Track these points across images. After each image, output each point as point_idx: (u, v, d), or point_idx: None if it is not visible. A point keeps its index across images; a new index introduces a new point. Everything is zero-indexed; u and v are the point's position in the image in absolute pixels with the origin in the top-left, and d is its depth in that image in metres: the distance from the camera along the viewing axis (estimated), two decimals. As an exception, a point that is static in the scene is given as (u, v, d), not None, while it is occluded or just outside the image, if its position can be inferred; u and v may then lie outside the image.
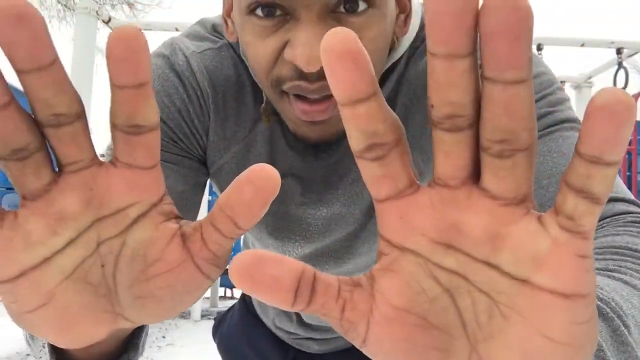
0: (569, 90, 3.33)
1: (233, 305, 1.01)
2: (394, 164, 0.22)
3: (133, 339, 0.37)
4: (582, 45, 2.97)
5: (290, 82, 0.49)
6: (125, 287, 0.26)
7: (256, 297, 0.22)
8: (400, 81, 0.58)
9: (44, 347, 0.37)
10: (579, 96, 3.39)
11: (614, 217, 0.44)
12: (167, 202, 0.26)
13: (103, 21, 2.82)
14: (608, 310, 0.33)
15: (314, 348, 0.89)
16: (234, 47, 0.61)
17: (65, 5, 9.56)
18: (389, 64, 0.56)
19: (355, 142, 0.22)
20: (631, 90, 3.27)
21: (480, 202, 0.21)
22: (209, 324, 5.72)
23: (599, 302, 0.33)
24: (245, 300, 0.96)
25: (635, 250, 0.39)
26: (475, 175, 0.21)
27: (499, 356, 0.22)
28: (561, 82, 3.28)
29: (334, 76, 0.20)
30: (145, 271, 0.26)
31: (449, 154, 0.21)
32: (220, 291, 7.14)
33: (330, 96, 0.49)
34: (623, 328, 0.33)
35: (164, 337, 4.78)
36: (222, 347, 0.97)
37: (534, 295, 0.21)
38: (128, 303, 0.26)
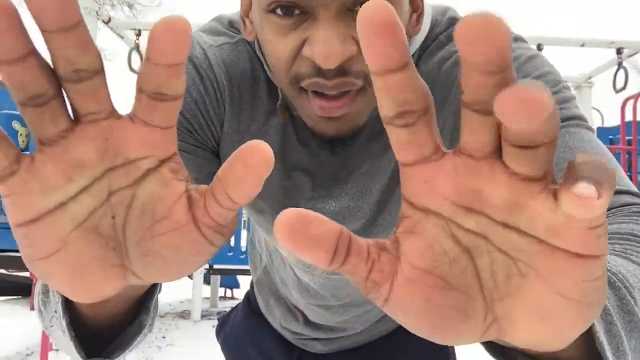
0: (569, 90, 3.33)
1: (236, 306, 1.01)
2: (421, 130, 0.23)
3: (144, 302, 0.38)
4: (582, 45, 2.97)
5: (309, 79, 0.50)
6: (134, 242, 0.27)
7: (297, 254, 0.23)
8: None
9: (55, 312, 0.38)
10: (578, 96, 3.39)
11: (620, 207, 0.46)
12: (177, 162, 0.27)
13: (103, 21, 2.82)
14: (615, 279, 0.34)
15: (318, 348, 0.89)
16: (250, 43, 0.62)
17: None
18: None
19: (387, 109, 0.22)
20: (631, 90, 3.27)
21: (501, 175, 0.22)
22: (209, 324, 5.75)
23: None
24: (249, 300, 0.97)
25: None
26: (499, 149, 0.22)
27: (514, 314, 0.24)
28: (561, 82, 3.29)
29: (371, 46, 0.21)
30: (152, 228, 0.26)
31: (475, 131, 0.22)
32: (220, 291, 7.13)
33: (346, 93, 0.50)
34: (629, 297, 0.34)
35: (164, 337, 4.78)
36: (226, 347, 0.97)
37: (551, 254, 0.22)
38: (136, 259, 0.27)
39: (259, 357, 0.92)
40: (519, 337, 0.24)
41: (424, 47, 0.60)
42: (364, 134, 0.61)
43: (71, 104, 0.25)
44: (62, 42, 0.22)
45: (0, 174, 0.24)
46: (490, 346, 0.31)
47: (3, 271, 4.12)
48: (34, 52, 0.23)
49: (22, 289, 5.70)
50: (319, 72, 0.49)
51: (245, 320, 0.96)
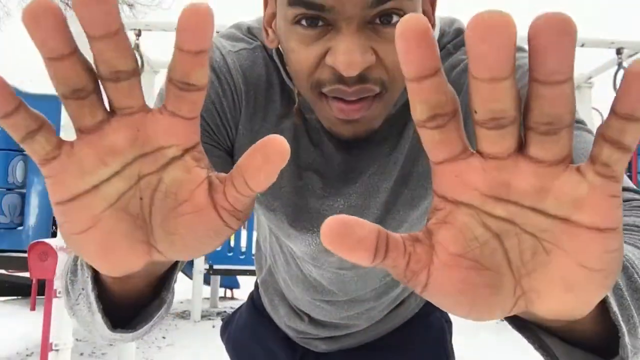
0: (569, 91, 3.32)
1: (240, 306, 1.03)
2: (451, 131, 0.25)
3: (165, 280, 0.41)
4: (582, 45, 2.96)
5: (330, 86, 0.53)
6: (159, 222, 0.30)
7: (343, 255, 0.26)
8: None
9: (83, 289, 0.41)
10: (578, 96, 3.39)
11: (622, 203, 0.47)
12: (200, 151, 0.30)
13: (103, 21, 2.82)
14: (624, 260, 0.37)
15: (321, 347, 0.91)
16: (266, 49, 0.66)
17: (67, 4, 9.56)
18: None
19: (420, 112, 0.25)
20: (631, 90, 3.27)
21: (527, 166, 0.25)
22: (209, 324, 5.74)
23: None
24: (253, 300, 0.99)
25: None
26: (520, 146, 0.25)
27: (541, 287, 0.27)
28: (561, 82, 3.28)
29: (408, 54, 0.23)
30: (175, 209, 0.30)
31: (495, 143, 0.25)
32: (220, 292, 7.13)
33: (364, 98, 0.54)
34: (636, 276, 0.37)
35: (164, 337, 4.78)
36: (231, 346, 0.99)
37: (574, 231, 0.25)
38: (160, 237, 0.30)
39: (262, 355, 0.94)
40: (546, 308, 0.27)
41: None
42: (373, 137, 0.64)
43: (108, 99, 0.28)
44: (105, 46, 0.25)
45: (44, 158, 0.27)
46: (513, 320, 0.35)
47: (3, 271, 4.11)
48: (76, 51, 0.26)
49: (22, 289, 5.70)
50: (340, 79, 0.52)
51: (250, 319, 0.98)
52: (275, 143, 0.27)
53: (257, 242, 0.96)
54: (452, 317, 0.96)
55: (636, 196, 0.50)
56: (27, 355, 3.98)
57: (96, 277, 0.40)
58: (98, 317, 0.40)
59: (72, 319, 0.49)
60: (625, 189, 0.51)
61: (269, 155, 0.27)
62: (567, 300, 0.26)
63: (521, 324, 0.35)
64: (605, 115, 0.24)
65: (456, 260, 0.27)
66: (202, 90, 0.28)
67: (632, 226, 0.45)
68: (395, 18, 0.52)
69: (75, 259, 0.44)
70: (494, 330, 5.38)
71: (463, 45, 0.64)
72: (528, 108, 0.24)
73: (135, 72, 0.27)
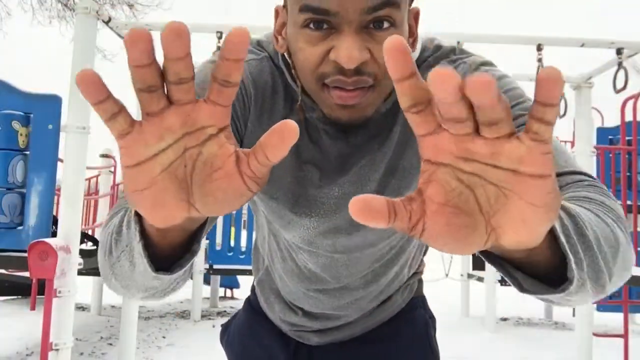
0: (569, 90, 3.32)
1: (237, 311, 1.12)
2: (428, 115, 0.35)
3: (195, 235, 0.51)
4: (582, 45, 2.96)
5: (332, 77, 0.65)
6: (198, 185, 0.40)
7: (366, 223, 0.36)
8: None
9: (126, 246, 0.52)
10: (578, 96, 3.39)
11: (575, 182, 0.61)
12: (229, 131, 0.40)
13: (103, 21, 2.82)
14: (573, 213, 0.49)
15: (314, 340, 0.98)
16: (272, 59, 0.79)
17: (66, 5, 9.54)
18: None
19: (404, 102, 0.35)
20: (631, 90, 3.26)
21: (482, 139, 0.35)
22: (209, 324, 5.72)
23: (566, 208, 0.49)
24: (250, 301, 1.09)
25: (591, 199, 0.56)
26: (476, 126, 0.35)
27: (504, 223, 0.36)
28: (561, 82, 3.27)
29: (392, 64, 0.33)
30: (210, 175, 0.39)
31: (456, 130, 0.35)
32: (220, 291, 7.13)
33: (360, 88, 0.66)
34: (582, 224, 0.48)
35: (164, 337, 4.78)
36: (230, 348, 1.07)
37: (522, 179, 0.35)
38: (198, 197, 0.40)
39: (259, 350, 1.02)
40: (509, 239, 0.37)
41: (417, 65, 0.74)
42: (365, 134, 0.76)
43: (169, 94, 0.38)
44: (176, 65, 0.36)
45: (121, 133, 0.38)
46: (487, 257, 0.47)
47: (3, 271, 4.11)
48: (155, 61, 0.36)
49: (22, 289, 5.70)
50: (341, 71, 0.64)
51: (247, 320, 1.06)
52: (288, 125, 0.37)
53: (255, 245, 1.05)
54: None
55: (588, 178, 0.62)
56: (27, 355, 3.98)
57: (142, 232, 0.49)
58: (141, 266, 0.50)
59: (107, 282, 0.59)
60: (577, 173, 0.62)
61: (284, 134, 0.37)
62: (523, 231, 0.36)
63: (494, 259, 0.47)
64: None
65: (442, 208, 0.37)
66: (236, 86, 0.38)
67: (583, 197, 0.57)
68: (385, 24, 0.64)
69: (121, 222, 0.54)
70: (494, 330, 5.38)
71: (442, 58, 0.78)
72: (476, 113, 0.34)
73: (192, 77, 0.37)
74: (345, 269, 0.88)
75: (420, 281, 1.05)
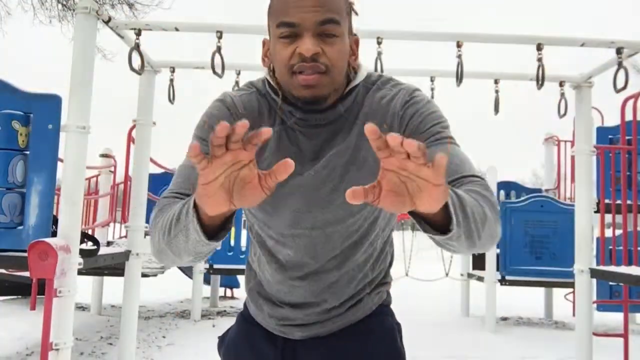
0: (568, 90, 3.32)
1: (232, 325, 1.32)
2: (387, 151, 0.64)
3: (228, 219, 0.85)
4: (582, 45, 2.96)
5: (297, 64, 0.97)
6: (236, 192, 0.72)
7: (356, 202, 0.67)
8: (359, 101, 1.09)
9: (183, 227, 0.84)
10: (578, 96, 3.39)
11: (470, 182, 0.93)
12: (254, 161, 0.70)
13: (103, 21, 2.82)
14: (460, 195, 0.81)
15: (297, 334, 1.18)
16: (259, 92, 1.12)
17: (65, 5, 9.54)
18: (351, 86, 1.07)
19: (378, 150, 0.65)
20: (631, 90, 3.26)
21: (411, 162, 0.62)
22: (209, 323, 5.70)
23: (457, 193, 0.80)
24: (242, 314, 1.31)
25: (475, 191, 0.89)
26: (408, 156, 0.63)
27: (418, 200, 0.67)
28: (561, 82, 3.28)
29: (370, 134, 0.63)
30: (243, 187, 0.72)
31: (399, 158, 0.64)
32: (220, 291, 7.14)
33: (316, 72, 0.97)
34: (464, 202, 0.81)
35: (164, 336, 4.78)
36: (226, 352, 1.26)
37: (429, 184, 0.64)
38: (236, 198, 0.72)
39: (250, 353, 1.22)
40: (422, 208, 0.68)
41: (366, 86, 1.10)
42: (331, 131, 1.07)
43: (227, 146, 0.67)
44: (234, 145, 0.66)
45: (203, 167, 0.67)
46: (414, 216, 0.78)
47: (3, 271, 4.11)
48: (225, 145, 0.66)
49: (22, 289, 5.70)
50: (303, 59, 0.97)
51: (240, 327, 1.28)
52: (287, 163, 0.68)
53: (247, 264, 1.30)
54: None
55: (478, 179, 0.95)
56: (27, 354, 3.98)
57: (197, 218, 0.81)
58: (196, 238, 0.82)
59: (159, 255, 0.95)
60: (471, 175, 0.95)
61: (285, 166, 0.68)
62: (428, 205, 0.67)
63: (414, 215, 0.78)
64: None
65: (389, 192, 0.67)
66: (256, 146, 0.67)
67: (470, 189, 0.89)
68: (331, 34, 0.97)
69: (180, 212, 0.85)
70: (494, 329, 5.38)
71: (385, 83, 1.10)
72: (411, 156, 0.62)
73: (252, 147, 0.68)
74: (322, 246, 1.13)
75: (389, 294, 1.26)
